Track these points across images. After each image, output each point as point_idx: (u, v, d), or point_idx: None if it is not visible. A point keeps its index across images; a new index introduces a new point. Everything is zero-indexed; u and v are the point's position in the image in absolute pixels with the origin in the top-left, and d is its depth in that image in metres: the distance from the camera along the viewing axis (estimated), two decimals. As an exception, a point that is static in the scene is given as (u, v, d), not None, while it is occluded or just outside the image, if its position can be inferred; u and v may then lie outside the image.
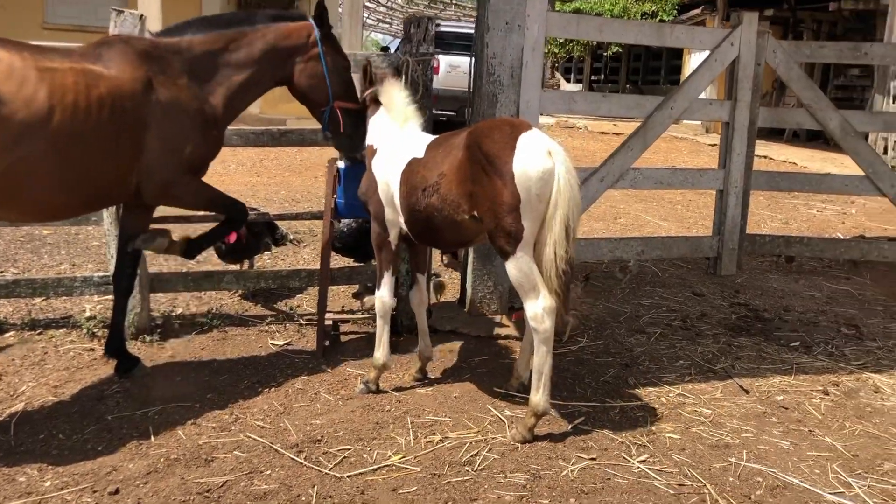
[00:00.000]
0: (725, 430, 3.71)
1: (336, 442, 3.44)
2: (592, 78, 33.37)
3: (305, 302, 5.43)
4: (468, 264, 5.23)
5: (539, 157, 3.26)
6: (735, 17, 6.23)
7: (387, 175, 3.83)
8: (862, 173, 6.57)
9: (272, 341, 4.66)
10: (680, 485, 3.20)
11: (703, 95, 6.51)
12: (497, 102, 5.06)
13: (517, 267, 3.37)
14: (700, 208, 9.70)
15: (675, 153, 15.42)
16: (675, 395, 4.08)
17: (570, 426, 3.65)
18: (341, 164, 4.54)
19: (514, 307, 5.02)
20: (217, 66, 3.87)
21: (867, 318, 5.52)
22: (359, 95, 4.18)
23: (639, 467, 3.31)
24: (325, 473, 3.17)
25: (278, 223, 5.83)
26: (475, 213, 3.43)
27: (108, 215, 4.48)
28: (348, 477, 3.15)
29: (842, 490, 3.22)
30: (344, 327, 4.91)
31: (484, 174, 3.33)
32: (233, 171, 10.71)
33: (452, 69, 15.07)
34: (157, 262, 6.03)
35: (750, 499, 3.12)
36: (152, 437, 3.44)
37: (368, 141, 4.09)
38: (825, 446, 3.61)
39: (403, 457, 3.32)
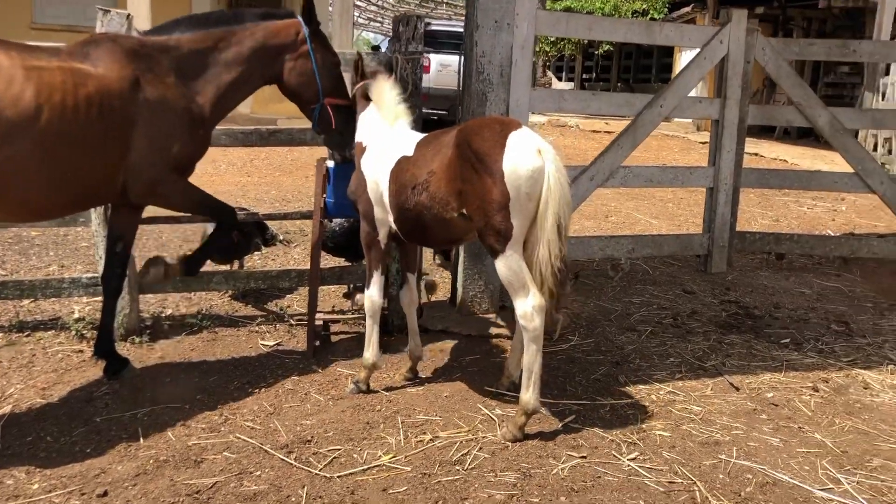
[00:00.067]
0: (715, 428, 3.72)
1: (326, 442, 3.43)
2: (584, 76, 33.44)
3: (296, 302, 5.41)
4: (459, 263, 5.23)
5: (529, 156, 3.26)
6: (724, 14, 6.25)
7: (376, 173, 3.82)
8: (851, 170, 6.59)
9: (262, 342, 4.64)
10: (670, 482, 3.20)
11: (693, 93, 6.52)
12: (487, 101, 5.06)
13: (507, 265, 3.36)
14: (691, 206, 9.73)
15: (666, 151, 15.45)
16: (666, 393, 4.09)
17: (560, 424, 3.65)
18: (330, 164, 4.53)
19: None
20: (205, 65, 3.86)
21: (857, 315, 5.54)
22: (350, 92, 4.18)
23: (629, 465, 3.31)
24: (315, 474, 3.16)
25: (268, 223, 5.81)
26: (464, 212, 3.42)
27: (96, 216, 4.46)
28: (338, 477, 3.14)
29: (831, 486, 3.23)
30: (334, 327, 4.89)
31: (474, 172, 3.32)
32: (223, 171, 10.68)
33: (443, 68, 15.07)
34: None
35: (740, 496, 3.12)
36: (141, 439, 3.42)
37: (358, 138, 4.07)
38: (815, 443, 3.62)
39: (394, 456, 3.32)
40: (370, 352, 3.96)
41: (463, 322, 5.04)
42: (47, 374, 4.08)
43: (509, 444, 3.44)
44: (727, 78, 6.18)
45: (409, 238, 3.85)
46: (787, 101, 6.91)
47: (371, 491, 3.06)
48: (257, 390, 3.96)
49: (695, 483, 3.20)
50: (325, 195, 4.57)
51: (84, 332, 4.56)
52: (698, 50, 6.19)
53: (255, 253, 6.15)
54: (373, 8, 35.85)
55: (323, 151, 4.70)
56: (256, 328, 4.87)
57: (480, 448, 3.41)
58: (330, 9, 18.31)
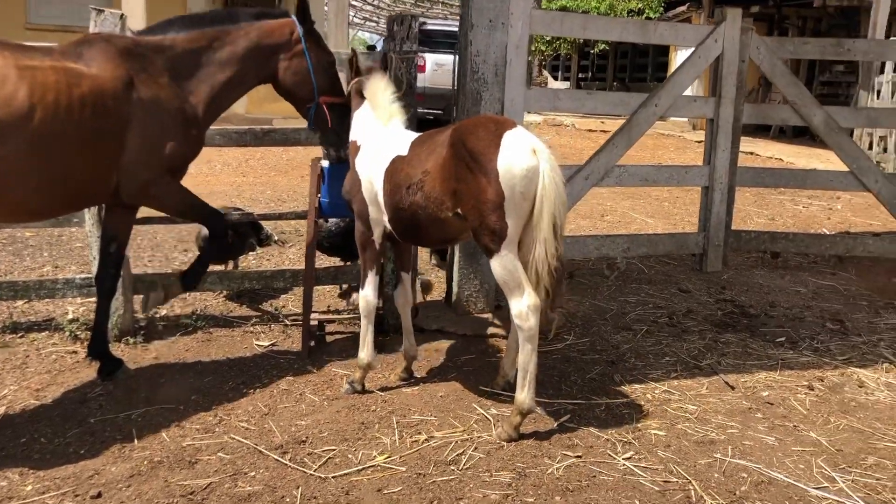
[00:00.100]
0: (711, 427, 3.72)
1: (321, 443, 3.42)
2: (580, 76, 33.43)
3: (290, 302, 5.40)
4: (454, 263, 5.22)
5: (523, 155, 3.26)
6: (719, 13, 6.25)
7: (370, 173, 3.81)
8: (847, 169, 6.60)
9: (257, 342, 4.63)
10: (665, 481, 3.20)
11: (688, 92, 6.52)
12: (481, 100, 5.05)
13: (502, 265, 3.36)
14: (687, 205, 9.73)
15: (661, 150, 15.47)
16: (661, 392, 4.09)
17: (556, 424, 3.65)
18: (325, 164, 4.52)
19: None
20: (200, 65, 3.85)
21: (852, 313, 5.55)
22: (345, 89, 4.17)
23: (624, 464, 3.31)
24: (310, 474, 3.16)
25: (263, 223, 5.80)
26: (459, 211, 3.42)
27: (89, 217, 4.44)
28: (333, 478, 3.13)
29: (826, 485, 3.23)
30: (329, 327, 4.89)
31: (468, 172, 3.32)
32: (218, 171, 10.66)
33: (439, 67, 15.05)
34: (140, 264, 6.00)
35: (735, 494, 3.12)
36: (135, 440, 3.41)
37: (352, 137, 4.07)
38: (810, 441, 3.62)
39: (389, 457, 3.31)
40: (365, 352, 3.95)
41: (458, 322, 5.03)
42: (41, 375, 4.06)
43: (504, 443, 3.44)
44: (722, 77, 6.18)
45: (403, 238, 3.84)
46: (782, 100, 6.92)
47: (366, 491, 3.05)
48: (252, 391, 3.95)
49: (690, 482, 3.20)
50: (319, 195, 4.56)
51: (78, 332, 4.55)
52: (693, 49, 6.20)
53: (250, 253, 6.13)
54: (368, 8, 35.84)
55: (318, 151, 4.69)
56: (251, 328, 4.85)
57: (476, 448, 3.40)
58: (325, 8, 18.29)
